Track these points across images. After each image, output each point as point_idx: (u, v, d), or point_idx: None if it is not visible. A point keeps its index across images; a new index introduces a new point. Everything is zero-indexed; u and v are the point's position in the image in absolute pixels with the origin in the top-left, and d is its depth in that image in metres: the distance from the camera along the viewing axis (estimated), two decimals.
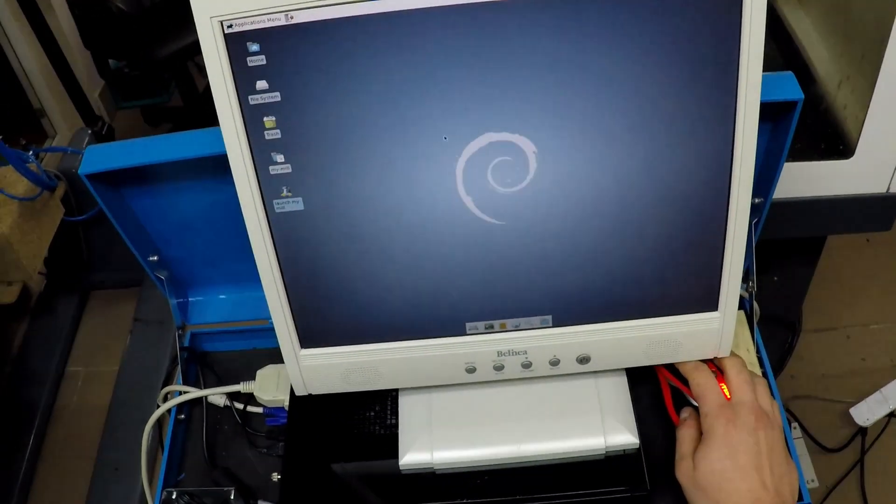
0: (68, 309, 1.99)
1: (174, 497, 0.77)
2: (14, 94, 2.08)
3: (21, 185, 1.47)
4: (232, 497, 0.77)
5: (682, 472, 0.69)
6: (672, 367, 0.76)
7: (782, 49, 1.14)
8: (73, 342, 1.98)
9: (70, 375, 1.92)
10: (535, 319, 0.70)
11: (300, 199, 0.64)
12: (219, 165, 0.65)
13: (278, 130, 0.61)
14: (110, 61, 2.17)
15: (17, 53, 2.01)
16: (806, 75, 1.07)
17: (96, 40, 2.00)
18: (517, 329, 0.70)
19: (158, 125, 2.41)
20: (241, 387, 0.85)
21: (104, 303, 2.04)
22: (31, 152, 1.50)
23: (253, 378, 0.85)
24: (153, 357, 1.77)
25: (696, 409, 0.73)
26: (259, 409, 0.85)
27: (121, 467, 1.66)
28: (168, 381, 0.89)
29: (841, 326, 1.80)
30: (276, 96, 0.60)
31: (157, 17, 1.93)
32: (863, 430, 1.55)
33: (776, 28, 1.15)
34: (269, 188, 0.63)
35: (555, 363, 0.73)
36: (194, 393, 0.85)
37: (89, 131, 1.89)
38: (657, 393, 0.79)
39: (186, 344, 0.91)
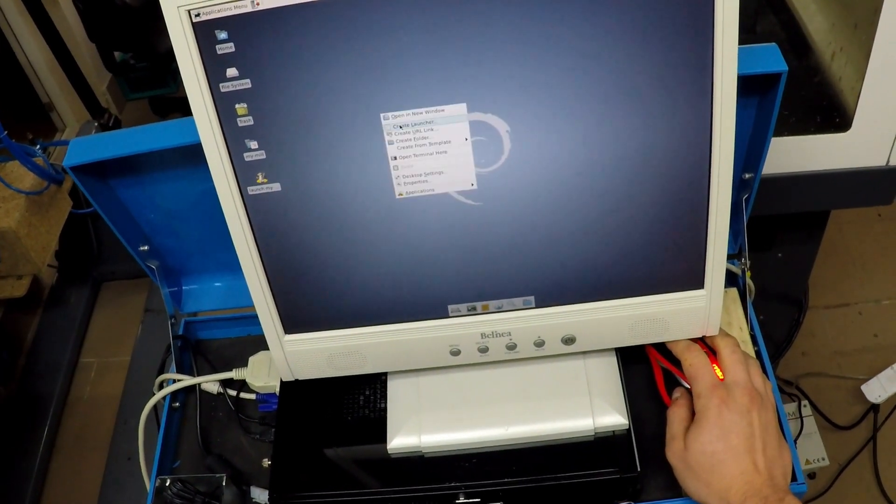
0: (80, 301, 2.01)
1: (167, 485, 0.77)
2: (22, 89, 2.10)
3: (28, 179, 1.48)
4: (224, 484, 0.77)
5: (673, 452, 0.69)
6: (664, 349, 0.75)
7: (781, 20, 1.12)
8: (86, 333, 2.00)
9: (83, 366, 1.94)
10: (518, 300, 0.70)
11: (276, 184, 0.64)
12: (204, 153, 0.65)
13: (250, 117, 0.61)
14: (116, 53, 2.17)
15: (23, 48, 2.02)
16: (803, 47, 1.05)
17: (101, 33, 2.01)
18: (500, 310, 0.70)
19: (166, 115, 2.42)
20: (233, 373, 0.86)
21: (115, 294, 2.06)
22: (37, 146, 1.51)
23: (246, 365, 0.85)
24: (164, 347, 1.79)
25: (688, 390, 0.72)
26: (252, 396, 0.86)
27: (133, 457, 1.68)
28: (164, 369, 0.90)
29: (853, 303, 1.78)
30: (246, 83, 0.59)
31: (160, 7, 1.93)
32: (875, 407, 1.54)
33: None
34: (244, 175, 0.63)
35: (540, 344, 0.72)
36: (187, 381, 0.86)
37: (95, 124, 1.91)
38: (649, 373, 0.78)
39: (180, 332, 0.91)
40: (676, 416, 0.71)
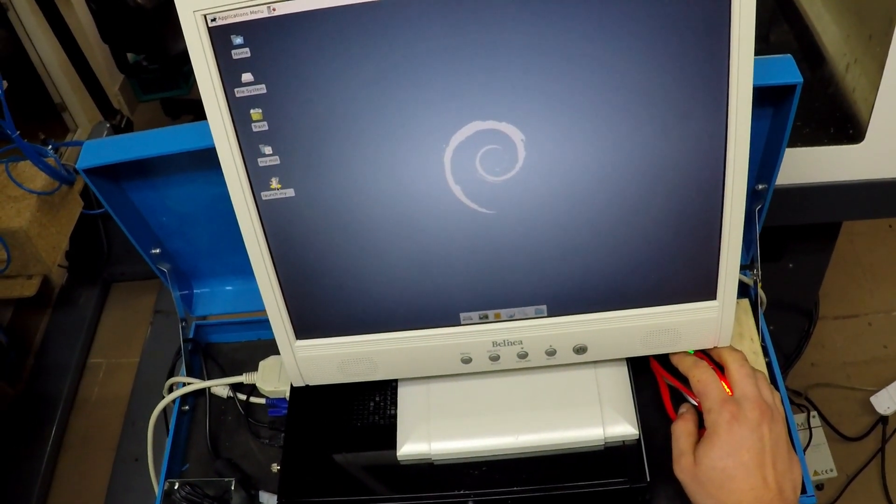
0: (89, 301, 2.02)
1: (176, 488, 0.78)
2: (35, 90, 2.10)
3: (39, 180, 1.49)
4: (233, 488, 0.77)
5: (683, 468, 0.68)
6: (669, 366, 0.75)
7: (795, 30, 1.12)
8: (95, 334, 2.00)
9: (91, 367, 1.95)
10: (530, 309, 0.70)
11: (289, 190, 0.64)
12: (217, 158, 0.65)
13: (265, 122, 0.61)
14: (129, 55, 2.18)
15: (36, 49, 2.03)
16: (817, 57, 1.05)
17: (114, 34, 2.02)
18: (512, 319, 0.70)
19: (178, 117, 2.43)
20: (243, 378, 0.86)
21: (125, 295, 2.07)
22: (49, 147, 1.52)
23: (256, 369, 0.85)
24: (173, 349, 1.79)
25: (695, 407, 0.72)
26: (262, 400, 0.86)
27: (141, 458, 1.68)
28: (174, 372, 0.90)
29: (863, 313, 1.77)
30: (261, 88, 0.60)
31: (174, 9, 1.94)
32: (884, 419, 1.54)
33: (788, 8, 1.13)
34: (258, 180, 0.63)
35: (551, 353, 0.72)
36: (197, 384, 0.86)
37: (108, 125, 1.91)
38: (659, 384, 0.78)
39: (191, 335, 0.91)
40: (683, 431, 0.70)
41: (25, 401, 1.85)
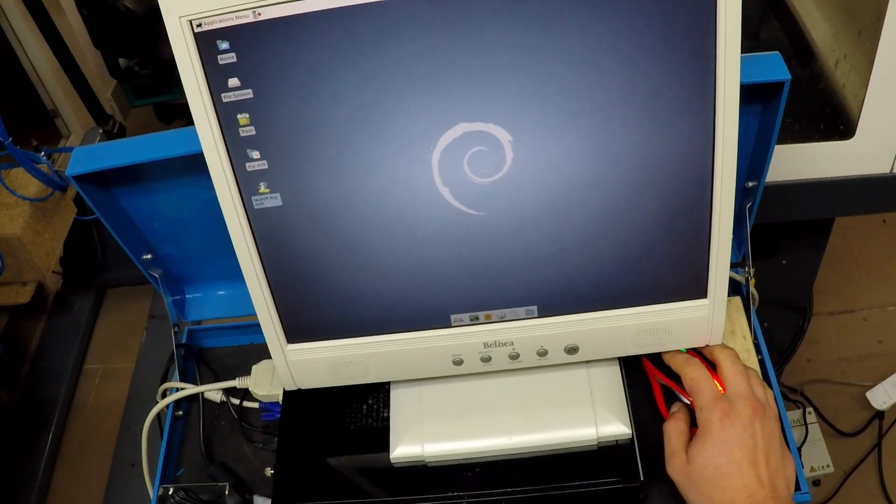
0: (84, 307, 2.02)
1: (170, 493, 0.78)
2: (27, 96, 2.10)
3: (32, 186, 1.49)
4: (227, 493, 0.77)
5: (675, 467, 0.68)
6: (662, 365, 0.75)
7: (785, 27, 1.12)
8: (90, 340, 2.00)
9: (87, 373, 1.95)
10: (521, 310, 0.69)
11: (278, 194, 0.64)
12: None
13: (252, 127, 0.61)
14: (121, 60, 2.18)
15: (28, 55, 2.03)
16: (807, 54, 1.05)
17: (105, 39, 2.02)
18: (503, 320, 0.70)
19: (171, 122, 2.43)
20: (236, 382, 0.86)
21: (120, 300, 2.07)
22: (42, 153, 1.51)
23: (249, 373, 0.85)
24: (169, 354, 1.79)
25: (687, 406, 0.72)
26: (255, 405, 0.86)
27: (137, 463, 1.68)
28: (167, 377, 0.90)
29: (857, 309, 1.78)
30: (248, 93, 0.59)
31: None
32: (880, 414, 1.54)
33: (778, 6, 1.13)
34: (246, 185, 0.63)
35: (542, 354, 0.72)
36: (190, 389, 0.86)
37: (100, 130, 1.91)
38: (651, 384, 0.78)
39: (184, 340, 0.91)
40: (675, 430, 0.70)
41: (22, 407, 1.84)
